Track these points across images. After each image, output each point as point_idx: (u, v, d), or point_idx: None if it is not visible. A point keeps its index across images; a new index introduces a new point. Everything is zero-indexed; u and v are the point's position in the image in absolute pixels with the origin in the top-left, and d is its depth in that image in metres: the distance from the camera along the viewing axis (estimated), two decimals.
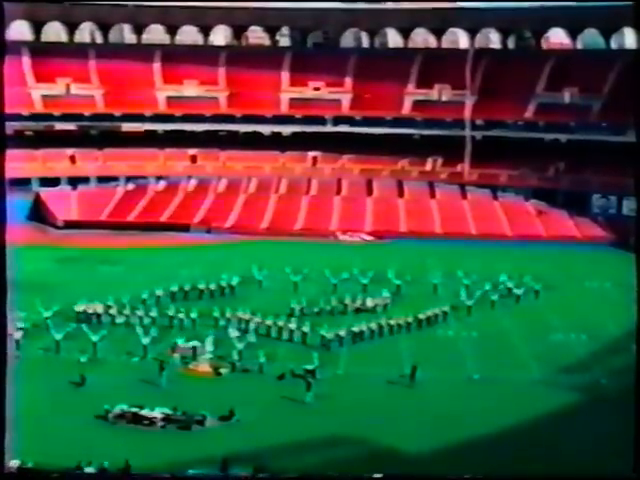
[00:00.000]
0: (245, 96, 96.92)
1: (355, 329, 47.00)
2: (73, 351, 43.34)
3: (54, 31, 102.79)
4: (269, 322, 47.80)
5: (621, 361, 40.12)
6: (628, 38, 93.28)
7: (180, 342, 44.12)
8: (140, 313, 49.46)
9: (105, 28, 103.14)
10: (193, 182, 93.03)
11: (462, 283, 57.70)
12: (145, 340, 43.99)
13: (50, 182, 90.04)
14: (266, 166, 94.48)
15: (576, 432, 35.07)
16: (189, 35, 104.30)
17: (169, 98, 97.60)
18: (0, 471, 19.85)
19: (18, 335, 43.53)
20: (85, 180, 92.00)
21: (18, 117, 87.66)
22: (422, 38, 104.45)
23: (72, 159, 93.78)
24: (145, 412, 35.15)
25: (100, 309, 49.76)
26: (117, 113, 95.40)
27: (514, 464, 31.17)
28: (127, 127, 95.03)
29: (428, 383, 40.03)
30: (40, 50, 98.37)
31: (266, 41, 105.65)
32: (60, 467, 28.17)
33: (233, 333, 45.58)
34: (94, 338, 43.97)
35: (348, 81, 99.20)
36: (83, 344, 43.86)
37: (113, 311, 49.70)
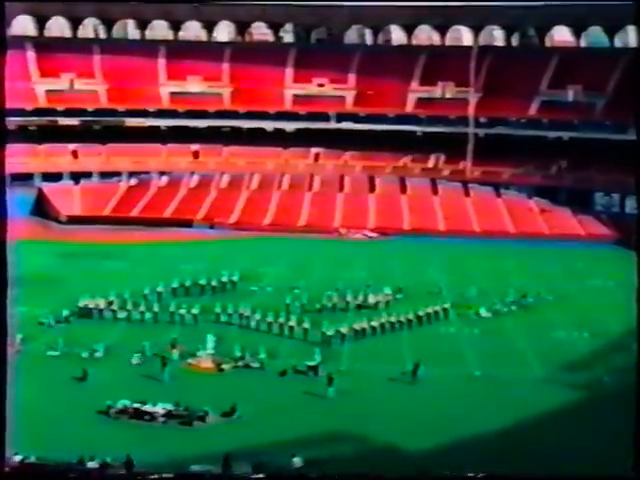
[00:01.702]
0: (249, 92, 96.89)
1: (357, 326, 46.99)
2: (75, 346, 43.37)
3: (58, 26, 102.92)
4: (270, 318, 47.83)
5: (624, 359, 40.03)
6: (632, 36, 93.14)
7: (180, 339, 44.12)
8: (142, 308, 49.53)
9: (109, 24, 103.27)
10: (196, 178, 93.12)
11: (464, 280, 57.68)
12: (147, 335, 44.03)
13: (53, 177, 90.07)
14: (269, 162, 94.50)
15: (578, 430, 35.00)
16: (192, 31, 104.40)
17: (172, 94, 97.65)
18: (1, 466, 19.86)
19: (20, 331, 43.54)
20: (88, 175, 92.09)
21: (21, 112, 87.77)
22: (426, 35, 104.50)
23: (75, 154, 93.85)
24: (147, 407, 35.16)
25: (102, 304, 49.77)
26: (120, 108, 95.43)
27: (515, 462, 31.11)
28: (130, 122, 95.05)
29: (430, 380, 39.99)
30: (44, 45, 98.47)
31: (270, 37, 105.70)
32: (62, 462, 28.21)
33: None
34: (96, 333, 43.99)
35: (352, 78, 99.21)
36: (85, 339, 43.92)
37: (115, 306, 49.74)
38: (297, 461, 29.97)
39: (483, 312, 52.52)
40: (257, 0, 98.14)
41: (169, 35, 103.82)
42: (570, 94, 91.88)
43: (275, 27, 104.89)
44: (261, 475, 25.03)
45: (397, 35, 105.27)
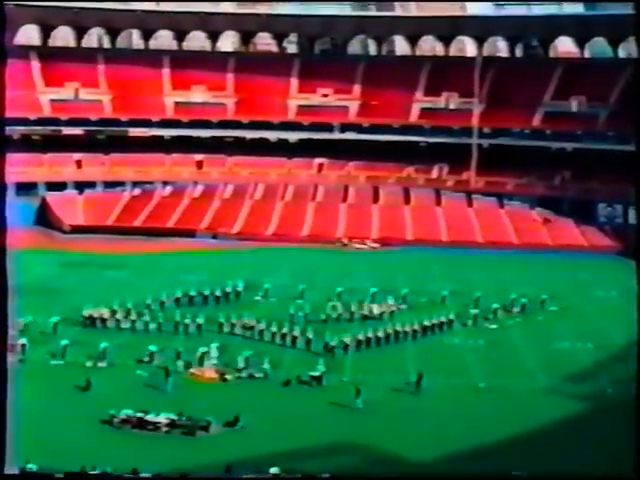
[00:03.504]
0: (253, 102, 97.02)
1: (361, 336, 46.93)
2: (79, 356, 43.34)
3: (63, 36, 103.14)
4: (274, 329, 47.79)
5: (627, 370, 39.92)
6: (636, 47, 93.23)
7: (183, 349, 44.05)
8: (146, 318, 49.51)
9: (114, 33, 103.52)
10: (199, 188, 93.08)
11: (468, 291, 57.60)
12: (151, 345, 44.01)
13: (57, 186, 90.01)
14: (272, 172, 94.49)
15: (582, 441, 34.95)
16: (197, 41, 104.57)
17: (177, 103, 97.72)
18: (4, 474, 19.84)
19: (23, 339, 43.56)
20: (91, 185, 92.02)
21: (26, 121, 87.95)
22: (430, 46, 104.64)
23: (79, 164, 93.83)
24: (150, 417, 35.11)
25: (106, 314, 49.78)
26: (124, 118, 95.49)
27: (518, 472, 31.03)
28: (134, 132, 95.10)
29: (434, 391, 39.96)
30: (49, 54, 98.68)
31: (274, 48, 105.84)
32: (64, 471, 28.13)
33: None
34: (100, 343, 43.98)
35: (356, 88, 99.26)
36: (89, 349, 43.91)
37: (119, 316, 49.72)
38: (274, 471, 29.87)
39: (487, 323, 52.49)
40: (261, 10, 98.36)
41: (173, 45, 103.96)
42: (574, 105, 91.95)
43: (279, 37, 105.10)
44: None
45: (401, 45, 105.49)
